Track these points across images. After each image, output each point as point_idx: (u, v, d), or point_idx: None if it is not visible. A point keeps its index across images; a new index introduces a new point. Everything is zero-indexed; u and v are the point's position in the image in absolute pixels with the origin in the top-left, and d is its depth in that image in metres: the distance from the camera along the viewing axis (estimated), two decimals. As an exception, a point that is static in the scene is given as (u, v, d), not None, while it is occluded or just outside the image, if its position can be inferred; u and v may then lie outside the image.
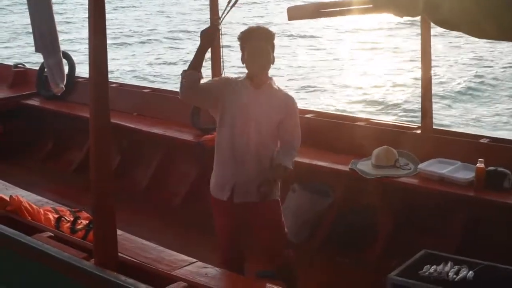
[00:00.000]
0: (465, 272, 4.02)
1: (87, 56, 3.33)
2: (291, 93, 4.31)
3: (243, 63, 4.01)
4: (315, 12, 3.81)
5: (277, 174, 3.93)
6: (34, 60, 12.61)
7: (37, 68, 8.16)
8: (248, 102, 3.95)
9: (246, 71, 4.01)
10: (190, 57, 4.05)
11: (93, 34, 3.27)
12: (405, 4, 2.86)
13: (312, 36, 19.94)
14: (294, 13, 4.02)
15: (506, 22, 2.40)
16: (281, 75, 14.58)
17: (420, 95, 5.51)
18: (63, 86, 5.60)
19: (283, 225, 4.18)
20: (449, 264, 4.11)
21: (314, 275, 4.76)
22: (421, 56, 5.35)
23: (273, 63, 4.00)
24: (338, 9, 3.72)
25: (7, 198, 4.38)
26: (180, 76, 3.95)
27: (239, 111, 3.95)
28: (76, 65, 7.84)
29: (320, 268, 5.02)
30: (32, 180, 6.48)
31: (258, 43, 3.92)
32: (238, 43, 4.00)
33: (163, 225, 5.83)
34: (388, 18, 17.02)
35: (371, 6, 3.25)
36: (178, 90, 4.04)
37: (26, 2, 5.49)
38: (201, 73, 3.95)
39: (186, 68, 3.96)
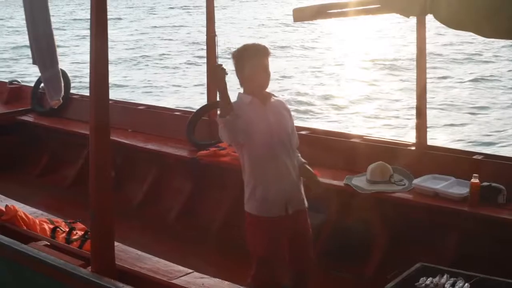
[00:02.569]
0: (461, 284, 4.00)
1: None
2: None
3: (241, 81, 3.99)
4: (321, 13, 3.76)
5: (307, 172, 4.18)
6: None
7: (32, 84, 8.20)
8: (266, 121, 3.97)
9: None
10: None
11: (94, 39, 3.29)
12: (412, 4, 2.87)
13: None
14: (300, 14, 3.96)
15: (500, 22, 2.44)
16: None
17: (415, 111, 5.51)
18: (61, 99, 5.58)
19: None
20: (445, 277, 4.09)
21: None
22: (417, 61, 5.33)
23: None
24: (344, 10, 3.69)
25: (3, 208, 4.37)
26: (219, 122, 3.89)
27: (260, 132, 3.93)
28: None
29: (316, 283, 4.98)
30: (27, 195, 6.41)
31: (259, 61, 3.93)
32: (233, 62, 3.97)
33: (158, 240, 5.80)
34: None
35: (378, 6, 3.23)
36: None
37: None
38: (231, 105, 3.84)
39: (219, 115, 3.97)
